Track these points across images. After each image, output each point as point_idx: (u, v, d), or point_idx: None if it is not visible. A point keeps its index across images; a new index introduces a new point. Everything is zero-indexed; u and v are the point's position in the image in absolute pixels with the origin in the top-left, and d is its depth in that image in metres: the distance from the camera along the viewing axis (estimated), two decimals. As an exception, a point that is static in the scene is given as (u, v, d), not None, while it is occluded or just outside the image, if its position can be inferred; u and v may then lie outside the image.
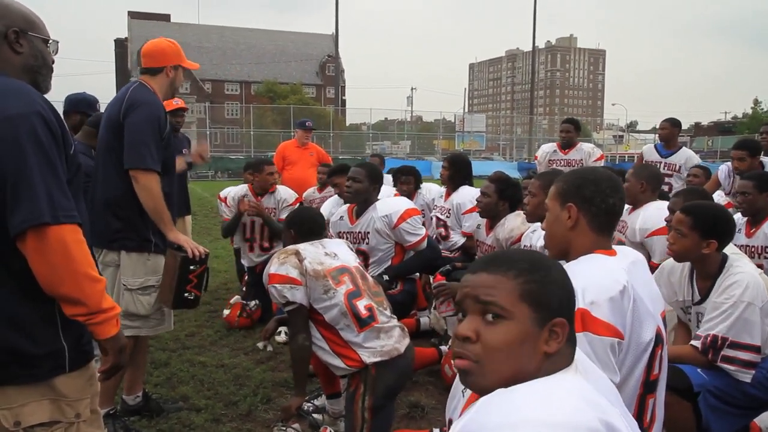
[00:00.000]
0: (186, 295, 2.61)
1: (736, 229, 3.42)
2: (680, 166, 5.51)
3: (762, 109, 54.10)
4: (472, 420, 0.96)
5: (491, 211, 3.62)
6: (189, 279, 2.59)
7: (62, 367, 1.52)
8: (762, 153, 4.77)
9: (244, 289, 5.13)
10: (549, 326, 1.05)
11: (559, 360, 1.06)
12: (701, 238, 2.37)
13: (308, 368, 2.71)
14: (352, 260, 2.73)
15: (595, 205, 1.70)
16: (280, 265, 2.54)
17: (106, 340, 1.54)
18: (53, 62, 1.66)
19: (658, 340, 1.66)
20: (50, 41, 1.64)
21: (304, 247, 2.63)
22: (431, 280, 4.42)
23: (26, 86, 1.50)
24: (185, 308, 2.78)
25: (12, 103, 1.42)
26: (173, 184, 2.90)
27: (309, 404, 3.06)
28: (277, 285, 2.50)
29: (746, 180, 3.31)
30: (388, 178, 5.66)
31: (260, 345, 4.09)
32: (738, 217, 3.45)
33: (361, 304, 2.52)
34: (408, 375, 2.66)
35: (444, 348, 3.71)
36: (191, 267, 2.59)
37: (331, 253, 2.66)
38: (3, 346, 1.44)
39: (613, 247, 1.76)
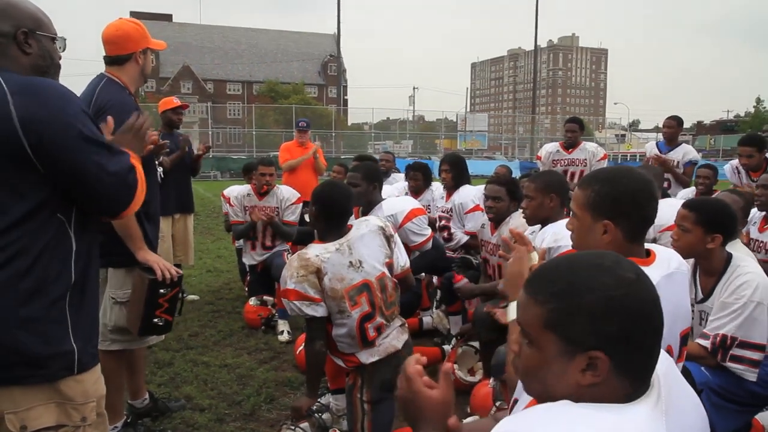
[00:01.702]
0: (155, 320, 2.40)
1: (752, 223, 3.42)
2: (678, 161, 5.54)
3: (764, 107, 54.07)
4: (524, 421, 0.90)
5: (504, 215, 3.53)
6: (158, 303, 2.37)
7: (70, 369, 1.51)
8: None
9: (246, 289, 5.13)
10: (585, 357, 0.91)
11: (608, 391, 0.92)
12: (705, 233, 2.35)
13: (322, 372, 2.69)
14: (378, 265, 2.55)
15: (632, 219, 1.61)
16: (297, 282, 2.41)
17: None
18: (60, 59, 1.65)
19: None
20: (57, 38, 1.63)
21: (328, 258, 2.44)
22: (434, 280, 4.42)
23: (62, 85, 1.54)
24: (153, 335, 2.58)
25: (60, 103, 1.46)
26: (152, 189, 2.51)
27: (316, 402, 3.05)
28: (295, 302, 2.43)
29: None
30: (402, 177, 5.72)
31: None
32: (754, 212, 3.45)
33: (372, 326, 2.49)
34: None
35: (447, 347, 3.70)
36: (161, 291, 2.36)
37: (355, 263, 2.48)
38: (12, 345, 1.42)
39: (659, 250, 1.68)
